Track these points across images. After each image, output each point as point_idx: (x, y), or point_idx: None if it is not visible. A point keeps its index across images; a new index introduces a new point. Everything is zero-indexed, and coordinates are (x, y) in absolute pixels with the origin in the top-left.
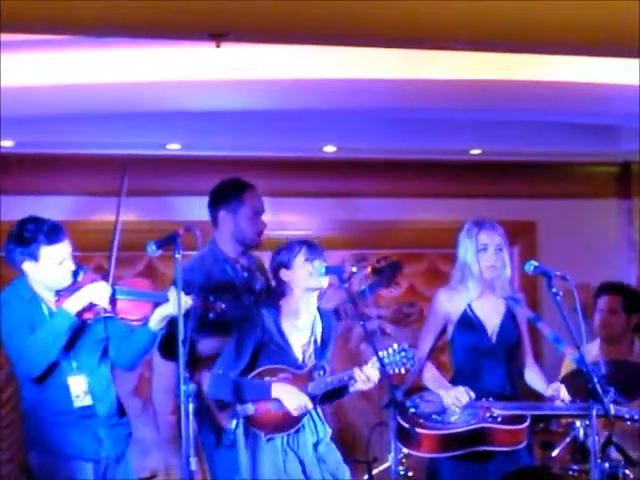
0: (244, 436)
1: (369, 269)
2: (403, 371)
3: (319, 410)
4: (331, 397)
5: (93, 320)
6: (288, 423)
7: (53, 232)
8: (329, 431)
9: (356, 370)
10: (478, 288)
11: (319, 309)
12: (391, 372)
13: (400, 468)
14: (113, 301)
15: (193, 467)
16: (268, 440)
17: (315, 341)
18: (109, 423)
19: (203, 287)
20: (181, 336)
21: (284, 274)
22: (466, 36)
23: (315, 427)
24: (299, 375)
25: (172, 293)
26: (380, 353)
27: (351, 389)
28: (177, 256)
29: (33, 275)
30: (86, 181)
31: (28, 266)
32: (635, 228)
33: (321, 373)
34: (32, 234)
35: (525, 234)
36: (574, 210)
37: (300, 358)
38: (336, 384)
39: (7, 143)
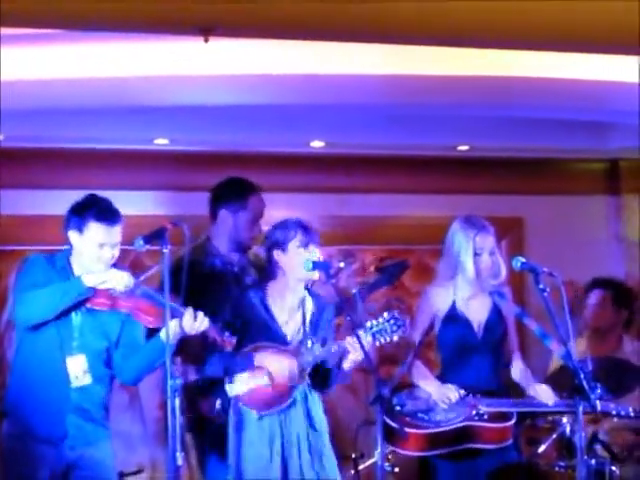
0: (235, 417)
1: (372, 267)
2: (395, 338)
3: (313, 395)
4: (324, 377)
5: (107, 308)
6: (279, 398)
7: (105, 212)
8: (323, 418)
9: (347, 340)
10: (470, 288)
11: (310, 290)
12: (382, 340)
13: (386, 464)
14: (131, 295)
15: (179, 462)
16: (260, 418)
17: (304, 322)
18: (83, 414)
19: (189, 281)
20: (168, 332)
21: (278, 255)
22: (456, 32)
23: (308, 409)
24: (286, 350)
25: (189, 310)
26: (369, 323)
27: (345, 365)
28: (164, 251)
29: (75, 247)
30: (74, 175)
31: (73, 236)
32: (623, 225)
33: (306, 348)
34: (85, 206)
35: (513, 230)
36: (562, 206)
37: (288, 336)
38: (324, 356)
39: None
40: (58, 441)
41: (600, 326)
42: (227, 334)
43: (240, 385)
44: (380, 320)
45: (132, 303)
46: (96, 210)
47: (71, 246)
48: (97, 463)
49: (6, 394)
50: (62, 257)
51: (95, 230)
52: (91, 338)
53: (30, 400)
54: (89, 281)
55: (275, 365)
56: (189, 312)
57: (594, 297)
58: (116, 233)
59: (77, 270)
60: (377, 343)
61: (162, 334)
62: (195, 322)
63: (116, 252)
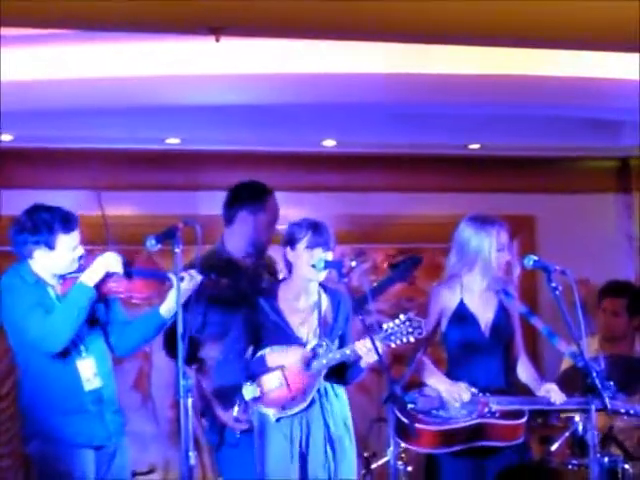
0: (255, 420)
1: (386, 264)
2: (412, 339)
3: (331, 393)
4: (343, 374)
5: (110, 296)
6: (296, 399)
7: (68, 220)
8: (348, 415)
9: (357, 343)
10: (480, 286)
11: (326, 288)
12: (398, 342)
13: (399, 463)
14: (120, 278)
15: (192, 462)
16: (277, 420)
17: (321, 321)
18: (112, 409)
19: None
20: (180, 330)
21: (288, 253)
22: (465, 30)
23: (326, 408)
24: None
25: (182, 273)
26: (385, 325)
27: (362, 364)
28: (176, 250)
29: (43, 262)
30: (85, 175)
31: (41, 254)
32: (634, 223)
33: (322, 350)
34: (48, 223)
35: (524, 229)
36: (573, 205)
37: (303, 337)
38: (339, 359)
39: (6, 137)
40: (103, 442)
41: (613, 334)
42: (213, 276)
43: (255, 388)
44: (396, 322)
45: (123, 287)
46: (59, 223)
47: (25, 258)
48: (126, 453)
49: (27, 422)
50: (27, 272)
51: (67, 240)
52: (93, 336)
53: (62, 416)
54: (90, 280)
55: (287, 358)
56: (185, 274)
57: (607, 305)
58: (78, 232)
59: (47, 279)
60: (392, 345)
61: (162, 308)
62: (193, 278)
63: (81, 248)
